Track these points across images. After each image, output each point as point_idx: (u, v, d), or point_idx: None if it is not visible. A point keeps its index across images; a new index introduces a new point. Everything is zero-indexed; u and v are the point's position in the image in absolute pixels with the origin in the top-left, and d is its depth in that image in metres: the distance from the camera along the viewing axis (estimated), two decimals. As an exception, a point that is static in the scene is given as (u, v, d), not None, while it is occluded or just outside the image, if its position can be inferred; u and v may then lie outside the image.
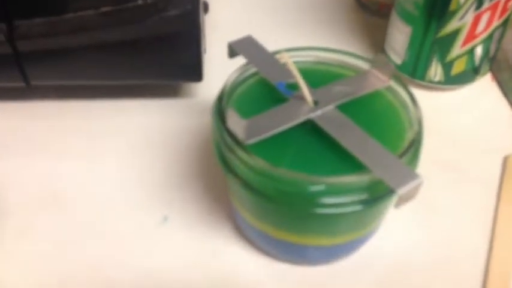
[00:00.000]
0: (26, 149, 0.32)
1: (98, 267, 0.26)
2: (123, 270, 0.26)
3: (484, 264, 0.26)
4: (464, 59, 0.34)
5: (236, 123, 0.22)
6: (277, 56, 0.26)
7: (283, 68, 0.26)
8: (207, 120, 0.33)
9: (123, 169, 0.31)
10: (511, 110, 0.35)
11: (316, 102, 0.24)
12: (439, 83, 0.35)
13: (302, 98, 0.24)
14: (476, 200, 0.29)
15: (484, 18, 0.32)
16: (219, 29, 0.39)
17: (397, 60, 0.36)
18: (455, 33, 0.32)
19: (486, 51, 0.34)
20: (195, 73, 0.32)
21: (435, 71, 0.34)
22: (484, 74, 0.36)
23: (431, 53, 0.34)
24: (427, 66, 0.34)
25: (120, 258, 0.26)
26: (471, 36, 0.32)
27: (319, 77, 0.26)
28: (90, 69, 0.31)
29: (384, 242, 0.27)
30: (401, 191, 0.20)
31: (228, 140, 0.22)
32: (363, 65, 0.26)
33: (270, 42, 0.27)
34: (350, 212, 0.22)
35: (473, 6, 0.31)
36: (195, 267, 0.26)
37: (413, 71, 0.35)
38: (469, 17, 0.31)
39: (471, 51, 0.33)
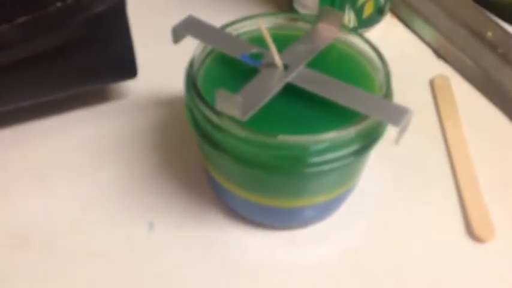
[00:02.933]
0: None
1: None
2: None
3: (451, 173, 0.29)
4: (371, 2, 0.36)
5: (229, 102, 0.21)
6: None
7: (237, 41, 0.25)
8: (151, 114, 0.32)
9: (85, 189, 0.28)
10: (417, 39, 0.38)
11: (286, 66, 0.24)
12: (354, 28, 0.37)
13: (270, 66, 0.24)
14: (423, 124, 0.32)
15: (384, -40, 0.34)
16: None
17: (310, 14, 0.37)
18: (362, -22, 0.34)
19: (388, -8, 0.37)
20: (130, 69, 0.30)
21: (349, 18, 0.36)
22: (386, 13, 0.39)
23: (343, 2, 0.35)
24: (340, 15, 0.36)
25: (122, 274, 0.25)
26: (375, -22, 0.35)
27: (275, 42, 0.26)
28: (15, 90, 0.27)
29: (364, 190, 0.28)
30: (401, 125, 0.21)
31: (212, 116, 0.22)
32: (308, 23, 0.27)
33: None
34: (343, 166, 0.23)
35: (375, -50, 0.33)
36: (202, 260, 0.26)
37: (329, 22, 0.37)
38: (372, -39, 0.34)
39: (377, -7, 0.36)
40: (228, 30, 0.26)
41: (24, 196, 0.28)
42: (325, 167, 0.22)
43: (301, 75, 0.24)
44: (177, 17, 0.26)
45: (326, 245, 0.26)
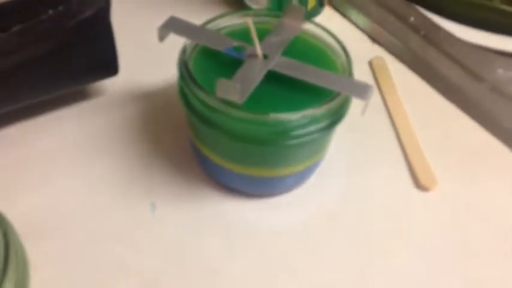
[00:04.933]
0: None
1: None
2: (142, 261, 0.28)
3: (397, 138, 0.35)
4: (314, -4, 0.41)
5: (228, 88, 0.25)
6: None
7: (218, 36, 0.29)
8: (131, 108, 0.35)
9: (85, 181, 0.31)
10: (353, 26, 0.44)
11: (265, 56, 0.28)
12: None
13: (252, 56, 0.28)
14: (370, 100, 0.37)
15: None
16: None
17: (260, 8, 0.41)
18: (306, -25, 0.39)
19: (327, -15, 0.42)
20: (112, 68, 0.32)
21: (295, 10, 0.41)
22: (324, 5, 0.44)
23: (290, -4, 0.40)
24: (288, 9, 0.41)
25: (136, 251, 0.28)
26: (317, -25, 0.40)
27: (247, 35, 0.30)
28: (8, 93, 0.29)
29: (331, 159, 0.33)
30: (367, 98, 0.26)
31: (209, 99, 0.26)
32: (273, 17, 0.31)
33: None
34: (319, 137, 0.27)
35: (316, -50, 0.38)
36: (203, 231, 0.29)
37: (278, 14, 0.41)
38: (314, -40, 0.38)
39: (318, -12, 0.41)
40: (208, 27, 0.30)
41: (28, 192, 0.30)
42: (306, 139, 0.27)
43: (279, 63, 0.28)
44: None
45: (306, 207, 0.31)
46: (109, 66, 0.32)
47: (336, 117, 0.27)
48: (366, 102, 0.26)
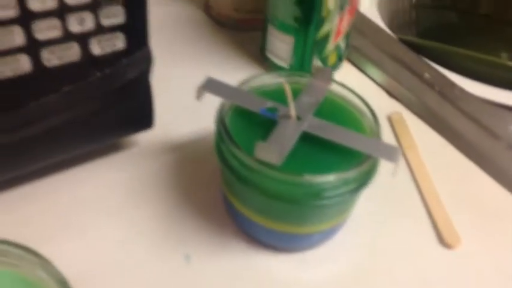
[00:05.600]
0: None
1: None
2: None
3: (418, 193, 0.36)
4: (335, 53, 0.43)
5: (267, 150, 0.26)
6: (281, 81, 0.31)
7: (252, 97, 0.31)
8: (164, 158, 0.36)
9: (119, 234, 0.32)
10: (370, 81, 0.46)
11: (298, 117, 0.29)
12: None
13: (286, 117, 0.29)
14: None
15: (345, 19, 0.41)
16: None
17: (284, 64, 0.43)
18: (328, 34, 0.41)
19: (346, 45, 0.44)
20: (148, 121, 0.33)
21: (316, 66, 0.43)
22: (343, 60, 0.46)
23: (312, 54, 0.42)
24: (310, 64, 0.42)
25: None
26: (338, 33, 0.42)
27: (280, 95, 0.31)
28: (52, 149, 0.30)
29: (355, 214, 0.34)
30: (396, 161, 0.27)
31: (245, 158, 0.27)
32: (306, 78, 0.33)
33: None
34: (349, 198, 0.28)
35: (338, 11, 0.40)
36: (234, 283, 0.30)
37: (300, 70, 0.43)
38: (336, 19, 0.40)
39: (338, 46, 0.43)
40: (243, 87, 0.31)
41: (66, 242, 0.30)
42: (337, 200, 0.28)
43: (311, 124, 0.29)
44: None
45: (332, 262, 0.32)
46: (145, 121, 0.33)
47: (366, 178, 0.28)
48: (396, 165, 0.28)
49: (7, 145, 0.28)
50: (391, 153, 0.28)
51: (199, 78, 0.31)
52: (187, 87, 0.33)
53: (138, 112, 0.32)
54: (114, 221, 0.32)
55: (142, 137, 0.37)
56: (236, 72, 0.45)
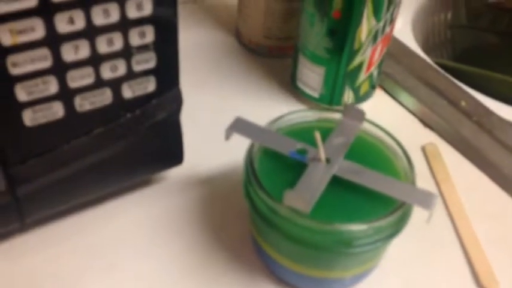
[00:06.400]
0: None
1: None
2: None
3: (454, 231, 0.35)
4: (367, 82, 0.42)
5: (297, 198, 0.26)
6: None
7: (281, 138, 0.30)
8: (192, 193, 0.36)
9: (147, 270, 0.32)
10: (403, 109, 0.45)
11: (327, 160, 0.29)
12: (352, 104, 0.43)
13: (315, 160, 0.29)
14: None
15: (378, 50, 0.40)
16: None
17: (315, 94, 0.43)
18: (360, 65, 0.40)
19: (379, 72, 0.43)
20: (178, 158, 0.34)
21: (348, 96, 0.42)
22: (375, 87, 0.45)
23: (343, 84, 0.41)
24: (341, 94, 0.42)
25: None
26: (371, 64, 0.41)
27: (310, 135, 0.31)
28: (83, 189, 0.31)
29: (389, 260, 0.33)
30: (431, 208, 0.27)
31: (273, 204, 0.27)
32: (336, 115, 0.32)
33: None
34: (380, 246, 0.28)
35: (371, 43, 0.39)
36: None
37: (331, 100, 0.42)
38: (369, 51, 0.40)
39: (371, 75, 0.42)
40: (271, 127, 0.31)
41: (95, 279, 0.31)
42: (368, 248, 0.27)
43: (341, 167, 0.29)
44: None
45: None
46: (175, 158, 0.33)
47: (399, 226, 0.27)
48: (431, 212, 0.27)
49: (41, 188, 0.28)
50: (426, 200, 0.27)
51: (229, 107, 0.31)
52: (217, 116, 0.33)
53: (168, 150, 0.33)
54: (142, 258, 0.32)
55: (171, 172, 0.37)
56: (267, 100, 0.45)
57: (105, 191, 0.32)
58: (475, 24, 0.58)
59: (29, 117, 0.26)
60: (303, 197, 0.26)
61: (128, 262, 0.32)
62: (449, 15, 0.62)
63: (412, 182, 0.28)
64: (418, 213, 0.29)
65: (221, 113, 0.33)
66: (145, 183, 0.36)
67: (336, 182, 0.28)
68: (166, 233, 0.34)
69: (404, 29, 0.55)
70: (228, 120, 0.31)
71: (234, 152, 0.33)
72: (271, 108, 0.43)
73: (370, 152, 0.31)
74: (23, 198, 0.28)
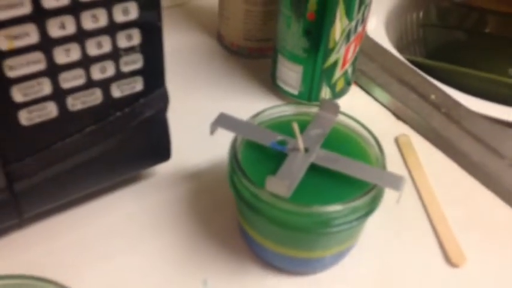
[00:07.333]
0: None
1: None
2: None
3: (425, 214, 0.37)
4: (343, 79, 0.45)
5: (278, 184, 0.28)
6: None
7: (263, 131, 0.33)
8: (181, 188, 0.38)
9: (139, 261, 0.34)
10: (376, 102, 0.47)
11: (306, 149, 0.31)
12: (329, 99, 0.45)
13: (294, 150, 0.31)
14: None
15: (351, 48, 0.43)
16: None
17: (294, 91, 0.45)
18: (336, 62, 0.43)
19: (353, 69, 0.45)
20: (165, 154, 0.36)
21: (325, 92, 0.45)
22: (351, 84, 0.48)
23: (320, 81, 0.44)
24: (319, 91, 0.44)
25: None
26: (345, 62, 0.43)
27: (288, 127, 0.33)
28: (77, 184, 0.33)
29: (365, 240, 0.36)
30: (401, 189, 0.29)
31: (257, 191, 0.29)
32: (313, 109, 0.34)
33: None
34: (356, 225, 0.30)
35: (345, 41, 0.42)
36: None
37: (309, 97, 0.45)
38: (343, 49, 0.42)
39: (346, 72, 0.44)
40: (253, 121, 0.33)
41: (89, 269, 0.33)
42: (346, 227, 0.29)
43: (319, 156, 0.31)
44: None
45: (343, 284, 0.33)
46: (163, 154, 0.35)
47: (372, 206, 0.30)
48: (400, 193, 0.29)
49: (38, 184, 0.30)
50: (395, 182, 0.29)
51: (213, 106, 0.33)
52: (202, 115, 0.35)
53: (156, 146, 0.35)
54: (135, 250, 0.34)
55: (160, 167, 0.39)
56: (249, 98, 0.47)
57: (97, 187, 0.34)
58: (444, 22, 0.61)
59: (25, 117, 0.28)
60: (283, 182, 0.28)
61: (120, 255, 0.34)
62: (421, 15, 0.65)
63: (383, 167, 0.31)
64: (391, 197, 0.31)
65: (206, 112, 0.35)
66: (136, 179, 0.38)
67: (314, 169, 0.31)
68: (157, 226, 0.36)
69: (378, 28, 0.58)
70: (213, 118, 0.33)
71: (219, 148, 0.36)
72: (253, 105, 0.45)
73: (344, 141, 0.33)
74: (20, 194, 0.30)
